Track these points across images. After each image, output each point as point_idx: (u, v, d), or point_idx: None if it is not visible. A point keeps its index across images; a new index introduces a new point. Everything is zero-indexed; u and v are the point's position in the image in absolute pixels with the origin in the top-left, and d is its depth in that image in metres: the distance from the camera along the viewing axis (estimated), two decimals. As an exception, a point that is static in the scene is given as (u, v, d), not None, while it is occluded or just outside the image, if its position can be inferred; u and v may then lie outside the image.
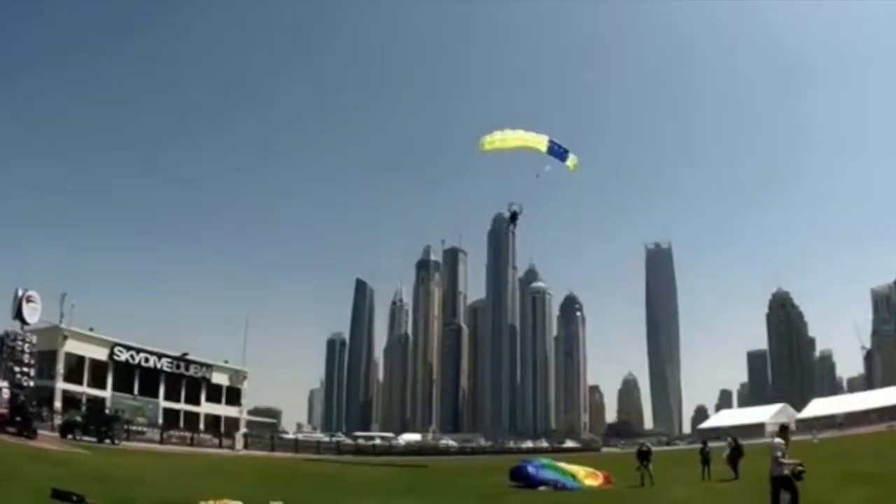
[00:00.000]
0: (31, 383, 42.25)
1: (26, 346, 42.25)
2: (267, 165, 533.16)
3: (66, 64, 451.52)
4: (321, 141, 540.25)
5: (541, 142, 23.46)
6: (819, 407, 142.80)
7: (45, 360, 55.69)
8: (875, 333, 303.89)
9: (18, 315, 44.67)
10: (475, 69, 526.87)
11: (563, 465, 29.03)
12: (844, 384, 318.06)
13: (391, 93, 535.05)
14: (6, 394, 35.74)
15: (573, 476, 26.96)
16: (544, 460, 29.82)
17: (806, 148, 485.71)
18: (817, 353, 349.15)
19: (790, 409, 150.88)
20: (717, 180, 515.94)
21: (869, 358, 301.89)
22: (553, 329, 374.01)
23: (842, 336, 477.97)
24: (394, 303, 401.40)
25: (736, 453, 26.12)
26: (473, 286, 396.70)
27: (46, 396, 53.64)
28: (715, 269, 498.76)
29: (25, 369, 40.79)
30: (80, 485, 15.24)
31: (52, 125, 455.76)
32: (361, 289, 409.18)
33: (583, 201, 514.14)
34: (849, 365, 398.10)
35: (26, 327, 45.30)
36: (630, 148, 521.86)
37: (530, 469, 27.33)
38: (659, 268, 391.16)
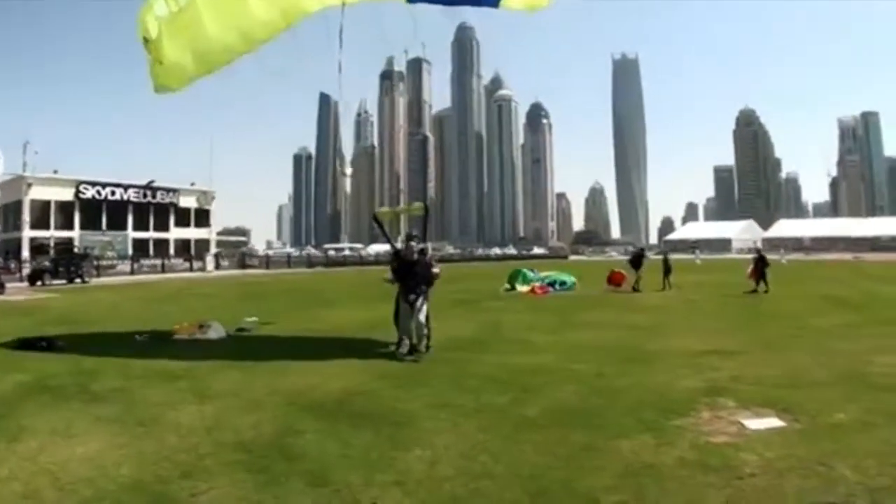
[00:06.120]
0: (-1, 239, 40.93)
1: (-9, 203, 41.33)
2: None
3: None
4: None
5: None
6: (785, 227, 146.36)
7: (11, 212, 57.41)
8: (840, 162, 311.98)
9: (-19, 175, 43.69)
10: None
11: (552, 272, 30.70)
12: (810, 208, 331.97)
13: None
14: (-29, 254, 34.27)
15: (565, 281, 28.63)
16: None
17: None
18: (783, 175, 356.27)
19: (756, 227, 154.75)
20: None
21: (835, 185, 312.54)
22: (520, 137, 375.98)
23: (808, 162, 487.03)
24: (359, 114, 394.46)
25: (761, 265, 25.91)
26: (439, 96, 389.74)
27: (14, 248, 54.37)
28: (682, 84, 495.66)
29: (-8, 227, 39.86)
30: (51, 329, 15.09)
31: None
32: (325, 102, 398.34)
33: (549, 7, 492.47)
34: (814, 190, 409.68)
35: (-9, 184, 44.31)
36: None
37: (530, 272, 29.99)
38: (626, 79, 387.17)
